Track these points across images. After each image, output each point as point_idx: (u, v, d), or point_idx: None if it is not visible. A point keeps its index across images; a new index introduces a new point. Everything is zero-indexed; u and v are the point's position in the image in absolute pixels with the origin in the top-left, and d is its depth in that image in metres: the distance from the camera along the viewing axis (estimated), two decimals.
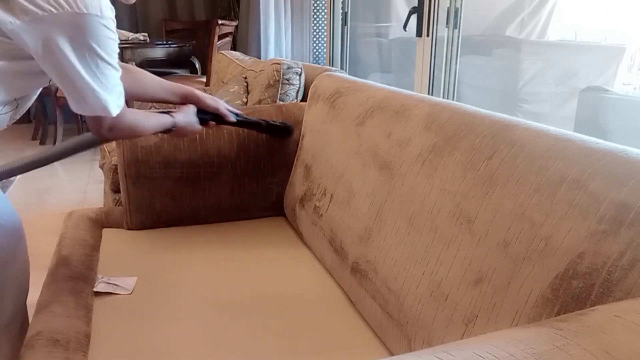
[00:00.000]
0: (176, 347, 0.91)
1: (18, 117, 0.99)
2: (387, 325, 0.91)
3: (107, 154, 1.96)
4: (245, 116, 1.37)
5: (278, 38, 3.67)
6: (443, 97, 1.95)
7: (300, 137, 1.49)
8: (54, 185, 3.11)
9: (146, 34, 3.86)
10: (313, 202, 1.28)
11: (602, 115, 2.08)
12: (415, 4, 2.04)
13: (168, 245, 1.33)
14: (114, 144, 2.01)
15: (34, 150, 4.02)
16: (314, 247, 1.27)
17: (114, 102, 0.92)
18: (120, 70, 0.92)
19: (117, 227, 1.44)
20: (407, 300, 0.86)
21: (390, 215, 0.98)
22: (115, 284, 1.11)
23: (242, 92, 2.02)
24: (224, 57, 2.65)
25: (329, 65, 3.21)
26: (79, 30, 0.82)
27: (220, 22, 3.56)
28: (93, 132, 0.99)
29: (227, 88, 2.11)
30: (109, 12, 0.86)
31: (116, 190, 1.79)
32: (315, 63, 3.62)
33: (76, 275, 1.11)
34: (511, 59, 2.54)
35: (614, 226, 0.60)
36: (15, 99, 0.94)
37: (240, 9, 4.10)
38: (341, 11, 3.09)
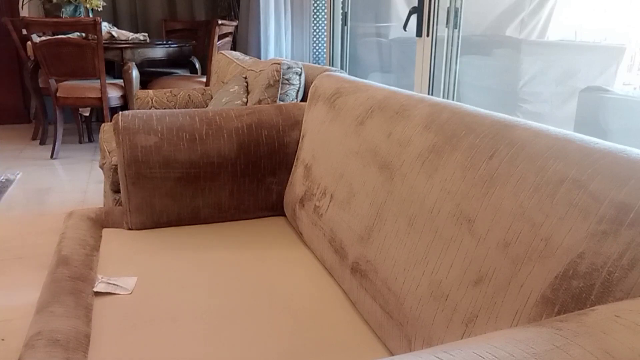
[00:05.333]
0: (176, 347, 0.91)
1: None
2: (387, 325, 0.91)
3: (107, 154, 1.96)
4: None
5: (278, 38, 3.67)
6: (443, 97, 1.95)
7: (300, 137, 1.49)
8: (54, 185, 3.11)
9: (146, 34, 3.86)
10: (313, 202, 1.28)
11: (602, 115, 2.08)
12: (415, 4, 2.04)
13: (168, 245, 1.33)
14: (113, 143, 2.01)
15: (34, 150, 3.98)
16: (314, 247, 1.27)
17: None
18: None
19: (117, 227, 1.44)
20: (407, 300, 0.86)
21: (390, 215, 0.98)
22: (115, 284, 1.11)
23: (242, 92, 2.02)
24: (224, 57, 2.65)
25: (329, 65, 3.21)
26: None
27: (220, 22, 3.56)
28: None
29: (227, 88, 2.11)
30: None
31: (116, 190, 1.79)
32: (315, 63, 3.62)
33: (76, 275, 1.11)
34: (511, 59, 2.54)
35: (614, 226, 0.60)
36: None
37: (240, 9, 4.10)
38: (341, 11, 3.09)
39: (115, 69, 4.53)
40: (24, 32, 3.48)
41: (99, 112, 4.47)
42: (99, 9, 4.08)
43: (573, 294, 0.60)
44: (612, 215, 0.60)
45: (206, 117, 1.47)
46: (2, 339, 1.60)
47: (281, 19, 3.64)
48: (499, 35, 2.87)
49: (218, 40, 3.57)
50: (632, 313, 0.49)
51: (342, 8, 3.08)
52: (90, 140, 4.20)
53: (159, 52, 3.82)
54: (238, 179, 1.46)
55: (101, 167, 2.09)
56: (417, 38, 2.05)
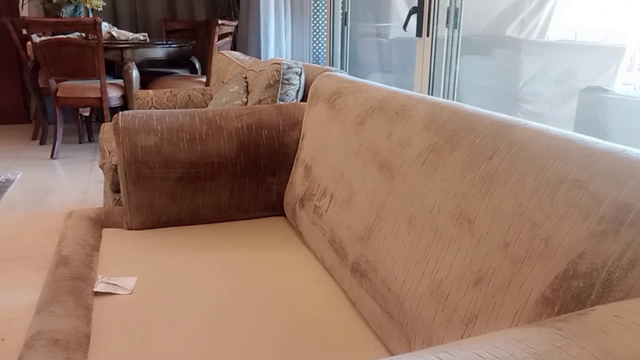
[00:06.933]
0: (176, 347, 0.91)
1: None
2: (387, 325, 0.91)
3: (107, 154, 1.96)
4: None
5: (278, 38, 3.67)
6: (443, 97, 1.95)
7: (300, 137, 1.49)
8: (54, 185, 3.11)
9: (146, 34, 3.86)
10: (313, 202, 1.28)
11: (602, 115, 2.08)
12: (415, 4, 2.04)
13: (168, 245, 1.33)
14: (113, 143, 2.01)
15: (34, 150, 3.97)
16: (314, 247, 1.27)
17: None
18: None
19: (117, 227, 1.44)
20: (407, 300, 0.86)
21: (390, 215, 0.98)
22: (115, 284, 1.11)
23: (242, 92, 2.02)
24: (224, 57, 2.65)
25: (329, 65, 3.21)
26: None
27: (220, 22, 3.56)
28: None
29: (227, 88, 2.11)
30: None
31: (116, 190, 1.79)
32: (315, 63, 3.62)
33: (76, 275, 1.11)
34: (511, 59, 2.54)
35: (614, 226, 0.60)
36: None
37: (240, 9, 4.10)
38: (341, 11, 3.09)
39: (115, 69, 4.53)
40: (24, 32, 3.48)
41: (99, 112, 4.47)
42: (99, 9, 4.08)
43: (573, 294, 0.60)
44: (612, 215, 0.60)
45: (206, 117, 1.47)
46: (2, 339, 1.60)
47: (281, 19, 3.64)
48: (499, 35, 2.87)
49: (218, 40, 3.57)
50: (632, 313, 0.49)
51: (342, 8, 3.08)
52: (90, 140, 4.20)
53: (159, 52, 3.82)
54: (238, 179, 1.46)
55: (101, 167, 2.09)
56: (417, 38, 2.05)
